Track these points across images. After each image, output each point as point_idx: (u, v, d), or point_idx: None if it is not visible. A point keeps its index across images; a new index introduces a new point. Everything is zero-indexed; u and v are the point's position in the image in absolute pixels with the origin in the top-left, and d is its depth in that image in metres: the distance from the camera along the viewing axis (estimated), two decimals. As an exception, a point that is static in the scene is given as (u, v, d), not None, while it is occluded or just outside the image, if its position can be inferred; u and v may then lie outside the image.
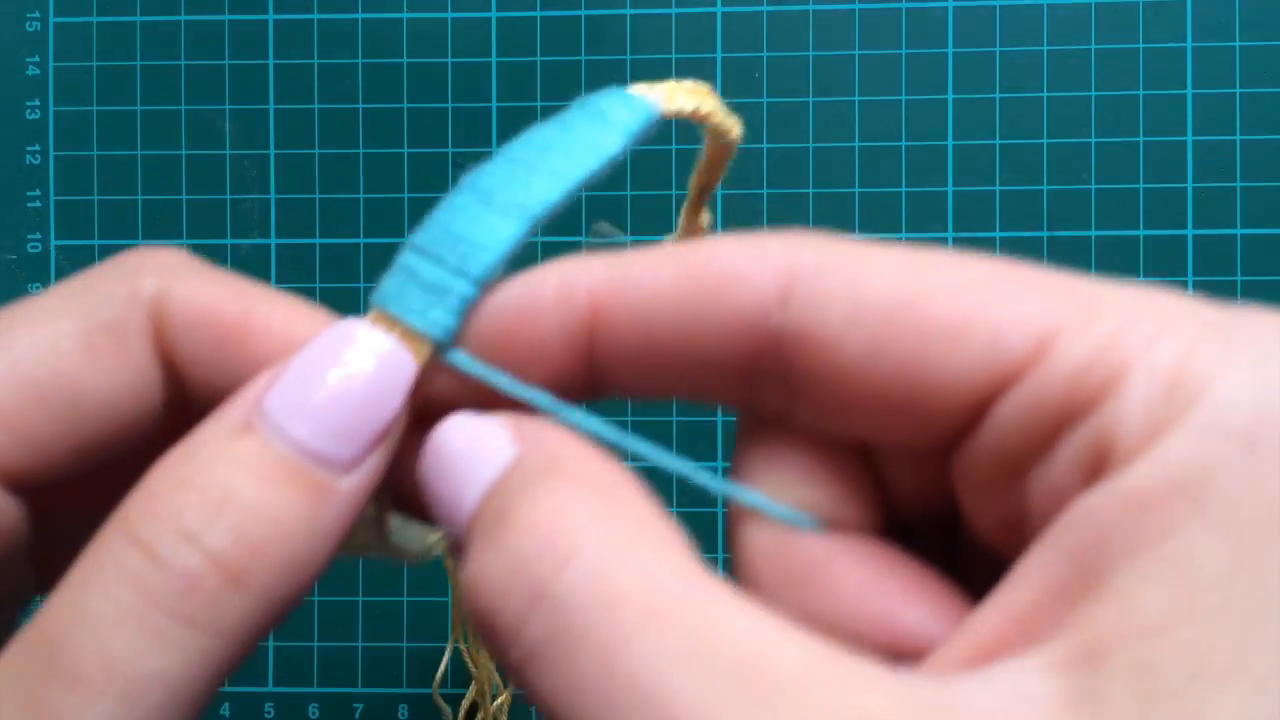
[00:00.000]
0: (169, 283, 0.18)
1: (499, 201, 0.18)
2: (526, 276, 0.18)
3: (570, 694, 0.13)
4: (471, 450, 0.17)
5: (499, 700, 0.44)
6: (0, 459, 0.17)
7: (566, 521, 0.15)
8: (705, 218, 0.22)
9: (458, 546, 0.17)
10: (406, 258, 0.18)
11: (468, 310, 0.18)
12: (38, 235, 0.46)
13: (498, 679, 0.43)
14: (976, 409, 0.16)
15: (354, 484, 0.17)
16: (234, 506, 0.16)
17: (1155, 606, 0.13)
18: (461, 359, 0.18)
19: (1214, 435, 0.13)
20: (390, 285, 0.18)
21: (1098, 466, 0.14)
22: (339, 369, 0.17)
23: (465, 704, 0.43)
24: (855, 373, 0.16)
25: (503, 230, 0.18)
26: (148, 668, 0.15)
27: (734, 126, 0.19)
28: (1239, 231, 0.44)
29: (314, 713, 0.45)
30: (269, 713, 0.45)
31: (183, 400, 0.19)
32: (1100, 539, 0.13)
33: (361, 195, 0.46)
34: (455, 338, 0.18)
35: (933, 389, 0.15)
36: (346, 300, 0.45)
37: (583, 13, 0.45)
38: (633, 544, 0.14)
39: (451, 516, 0.16)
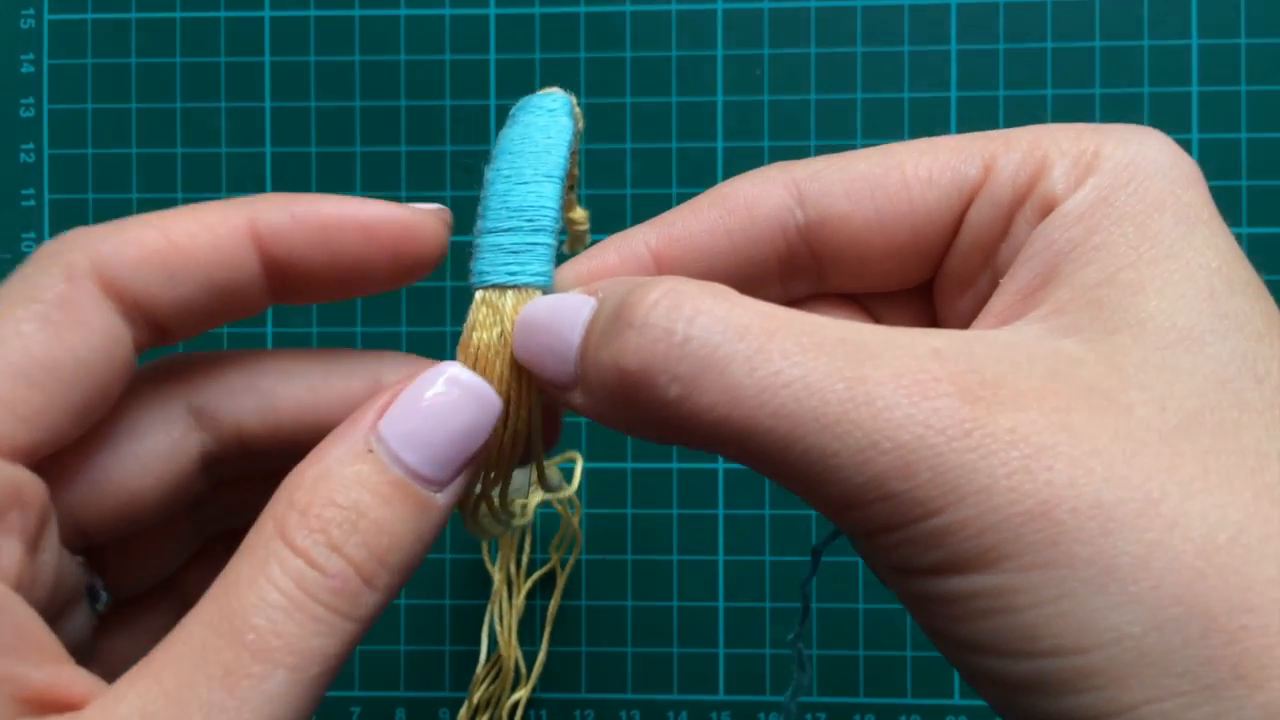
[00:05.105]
0: (94, 247, 0.21)
1: (528, 177, 0.23)
2: (587, 253, 0.23)
3: (729, 400, 0.18)
4: (558, 307, 0.21)
5: (518, 695, 0.43)
6: (11, 440, 0.20)
7: (680, 293, 0.19)
8: (580, 213, 0.26)
9: (564, 388, 0.21)
10: (485, 240, 0.23)
11: (553, 257, 0.23)
12: (32, 234, 0.46)
13: (522, 666, 0.43)
14: (954, 226, 0.22)
15: (448, 498, 0.21)
16: (365, 522, 0.20)
17: (1092, 276, 0.19)
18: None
19: (1113, 176, 0.20)
20: (482, 265, 0.23)
21: (1044, 217, 0.21)
22: (441, 406, 0.21)
23: (477, 693, 0.43)
24: (866, 232, 0.22)
25: (547, 191, 0.23)
26: (311, 646, 0.19)
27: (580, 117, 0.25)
28: (1244, 230, 0.43)
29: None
30: (265, 716, 0.45)
31: (163, 333, 0.22)
32: (1050, 250, 0.20)
33: (359, 193, 0.45)
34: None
35: (922, 221, 0.22)
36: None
37: (581, 9, 0.45)
38: (732, 297, 0.19)
39: (559, 360, 0.21)
